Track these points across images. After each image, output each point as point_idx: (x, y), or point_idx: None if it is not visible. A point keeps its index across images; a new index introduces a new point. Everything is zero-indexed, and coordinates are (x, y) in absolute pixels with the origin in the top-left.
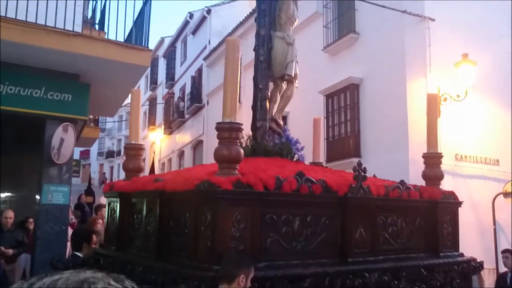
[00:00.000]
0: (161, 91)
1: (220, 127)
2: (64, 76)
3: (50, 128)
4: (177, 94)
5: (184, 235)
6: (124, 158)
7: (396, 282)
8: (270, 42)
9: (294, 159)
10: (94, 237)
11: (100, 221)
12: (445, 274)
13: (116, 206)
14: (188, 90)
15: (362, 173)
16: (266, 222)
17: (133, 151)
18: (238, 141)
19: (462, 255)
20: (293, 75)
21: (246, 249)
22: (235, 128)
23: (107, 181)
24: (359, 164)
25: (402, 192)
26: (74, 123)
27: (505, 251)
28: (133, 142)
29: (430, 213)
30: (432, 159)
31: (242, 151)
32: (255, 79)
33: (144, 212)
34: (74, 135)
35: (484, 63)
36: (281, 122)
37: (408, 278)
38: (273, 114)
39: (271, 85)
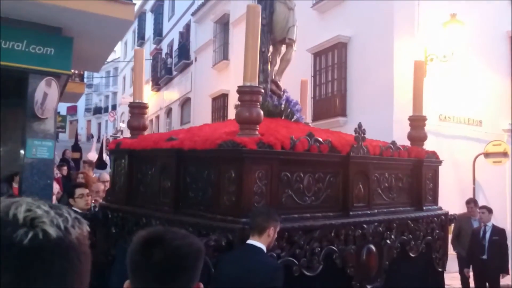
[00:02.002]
0: (149, 47)
1: (241, 91)
2: (46, 29)
3: (33, 83)
4: (164, 50)
5: (203, 191)
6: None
7: (388, 233)
8: (272, 6)
9: (293, 119)
10: (77, 191)
11: (80, 175)
12: (427, 225)
13: (124, 163)
14: (176, 46)
15: (362, 134)
16: (282, 179)
17: (138, 109)
18: (258, 103)
19: (440, 208)
20: (294, 39)
21: (267, 203)
22: (256, 91)
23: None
24: (360, 126)
25: (394, 151)
26: (58, 78)
27: (482, 207)
28: (137, 101)
29: (415, 171)
30: (417, 122)
31: (262, 112)
32: None
33: (159, 169)
34: (58, 90)
35: (472, 24)
36: (281, 84)
37: (398, 229)
38: (273, 76)
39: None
